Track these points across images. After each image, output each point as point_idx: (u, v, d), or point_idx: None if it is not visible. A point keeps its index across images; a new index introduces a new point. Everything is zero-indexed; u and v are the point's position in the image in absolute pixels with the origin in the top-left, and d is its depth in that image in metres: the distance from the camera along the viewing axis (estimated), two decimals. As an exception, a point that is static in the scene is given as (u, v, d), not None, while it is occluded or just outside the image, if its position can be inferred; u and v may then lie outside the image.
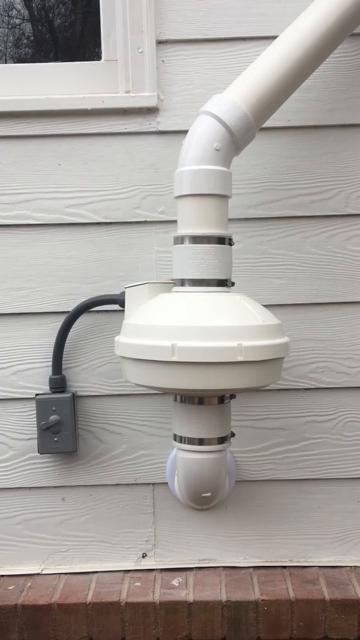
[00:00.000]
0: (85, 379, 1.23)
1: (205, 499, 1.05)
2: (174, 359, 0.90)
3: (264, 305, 1.16)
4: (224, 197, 1.00)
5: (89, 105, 1.18)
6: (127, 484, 1.25)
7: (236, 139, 1.00)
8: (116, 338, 1.01)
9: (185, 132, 1.17)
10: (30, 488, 1.25)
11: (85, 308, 1.18)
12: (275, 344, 0.95)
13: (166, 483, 1.24)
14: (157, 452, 1.25)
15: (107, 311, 1.22)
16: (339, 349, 1.24)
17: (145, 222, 1.21)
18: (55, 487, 1.25)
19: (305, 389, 1.25)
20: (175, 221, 1.18)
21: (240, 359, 0.91)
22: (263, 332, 0.95)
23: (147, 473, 1.25)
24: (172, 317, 0.94)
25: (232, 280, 1.03)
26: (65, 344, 1.21)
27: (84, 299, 1.20)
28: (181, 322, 0.92)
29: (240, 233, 1.21)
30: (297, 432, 1.25)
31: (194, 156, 0.99)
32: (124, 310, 1.08)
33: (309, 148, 1.21)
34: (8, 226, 1.21)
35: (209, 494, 1.04)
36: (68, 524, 1.26)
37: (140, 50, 1.18)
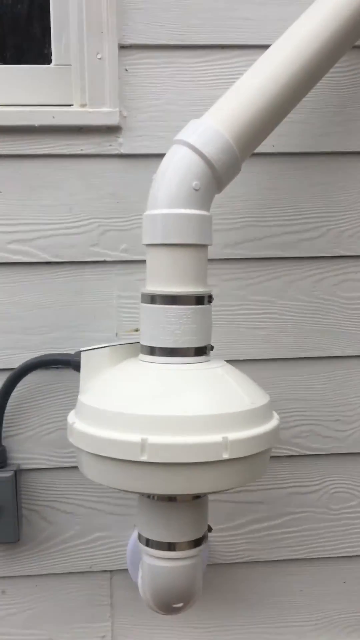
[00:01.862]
0: (30, 449, 1.03)
1: (176, 609, 0.87)
2: (144, 458, 0.71)
3: (242, 361, 0.99)
4: (203, 246, 0.82)
5: (37, 121, 0.97)
6: (80, 572, 1.06)
7: (218, 175, 0.82)
8: (69, 418, 0.82)
9: (152, 156, 0.98)
10: None
11: (30, 368, 0.98)
12: (266, 431, 0.78)
13: (126, 569, 1.05)
14: (116, 534, 1.06)
15: (57, 367, 1.02)
16: (326, 410, 1.08)
17: (105, 261, 1.01)
18: (-7, 574, 1.05)
19: (288, 456, 1.08)
20: (140, 261, 0.99)
21: (225, 456, 0.73)
22: (252, 418, 0.77)
23: (104, 559, 1.06)
24: (141, 401, 0.75)
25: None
26: (6, 408, 1.00)
27: (30, 355, 1.00)
28: (152, 410, 0.73)
29: (216, 275, 1.03)
30: (278, 506, 1.08)
31: (168, 196, 0.80)
32: (74, 370, 0.89)
33: (296, 178, 1.04)
34: None
35: (180, 605, 0.86)
36: (10, 620, 1.06)
37: (99, 56, 0.98)
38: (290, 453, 1.08)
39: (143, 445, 0.71)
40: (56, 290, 1.01)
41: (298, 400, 1.07)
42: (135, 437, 0.72)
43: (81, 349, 0.86)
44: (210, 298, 0.83)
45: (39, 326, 1.01)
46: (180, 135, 0.82)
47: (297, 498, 1.09)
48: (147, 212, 0.82)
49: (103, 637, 1.08)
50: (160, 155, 0.84)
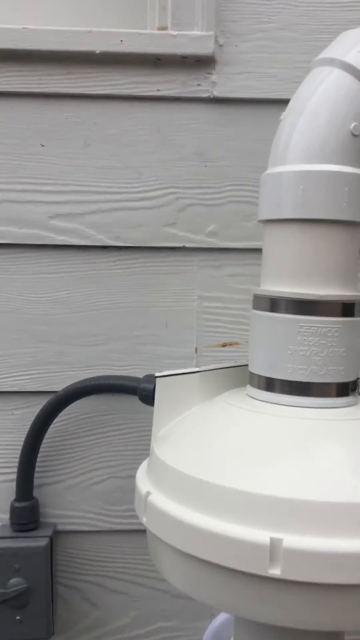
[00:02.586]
0: (71, 503, 0.74)
1: None
2: (275, 572, 0.43)
3: None
4: (358, 226, 0.53)
5: (97, 47, 0.68)
6: None
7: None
8: (140, 483, 0.53)
9: (257, 102, 0.70)
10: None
11: (78, 395, 0.69)
12: None
13: (198, 674, 0.77)
14: (186, 625, 0.77)
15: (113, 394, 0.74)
16: None
17: (184, 248, 0.73)
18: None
19: None
20: (233, 250, 0.71)
21: None
22: None
23: (167, 659, 0.78)
24: (268, 473, 0.46)
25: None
26: (41, 448, 0.72)
27: (75, 374, 0.72)
28: (287, 490, 0.45)
29: None
30: None
31: (308, 146, 0.51)
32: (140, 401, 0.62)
33: None
34: None
35: None
36: None
37: None
38: None
39: (274, 550, 0.43)
40: (114, 286, 0.73)
41: None
42: (261, 536, 0.43)
43: (156, 375, 0.58)
44: (362, 306, 0.54)
45: (90, 334, 0.73)
46: (330, 53, 0.53)
47: None
48: (270, 171, 0.53)
49: None
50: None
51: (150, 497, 0.50)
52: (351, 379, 0.53)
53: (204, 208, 0.72)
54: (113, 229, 0.72)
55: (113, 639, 0.76)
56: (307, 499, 0.43)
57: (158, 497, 0.49)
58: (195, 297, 0.73)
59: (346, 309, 0.52)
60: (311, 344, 0.51)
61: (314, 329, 0.51)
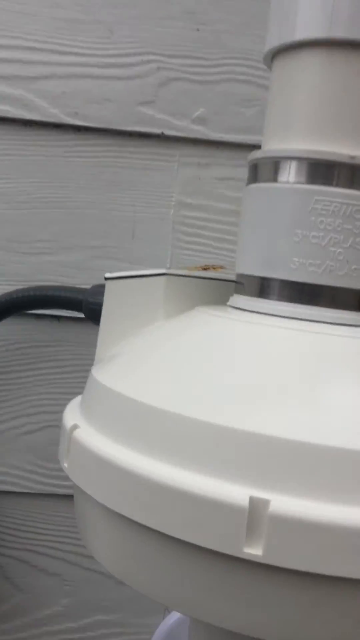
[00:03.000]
0: (-5, 455, 0.58)
1: None
2: (255, 553, 0.27)
3: None
4: None
5: None
6: None
7: None
8: (68, 416, 0.37)
9: None
10: None
11: (14, 307, 0.53)
12: None
13: None
14: (131, 620, 0.61)
15: (55, 316, 0.57)
16: None
17: (162, 136, 0.56)
18: None
19: None
20: (225, 144, 0.54)
21: None
22: None
23: (106, 661, 0.62)
24: (255, 405, 0.30)
25: None
26: None
27: (15, 287, 0.56)
28: (286, 431, 0.28)
29: None
30: None
31: None
32: (90, 322, 0.45)
33: None
34: None
35: None
36: None
37: None
38: None
39: (254, 518, 0.26)
40: (69, 179, 0.56)
41: None
42: (235, 494, 0.27)
43: (106, 275, 0.42)
44: None
45: (32, 239, 0.56)
46: None
47: None
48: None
49: None
50: None
51: (76, 432, 0.34)
52: (381, 286, 0.37)
53: (191, 85, 0.56)
54: (70, 102, 0.55)
55: (38, 632, 0.60)
56: (310, 441, 0.27)
57: (86, 431, 0.33)
58: (173, 202, 0.57)
59: (382, 183, 0.36)
60: (330, 228, 0.35)
61: (336, 206, 0.34)
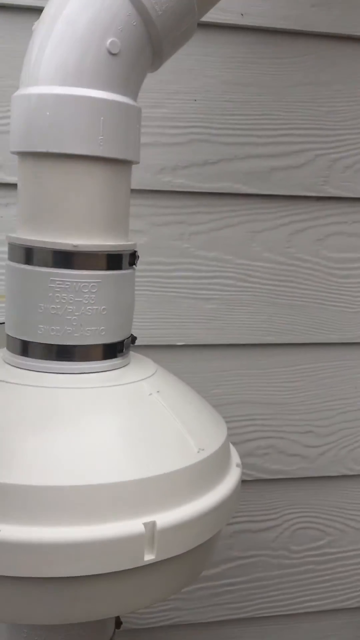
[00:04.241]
0: None
1: None
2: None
3: (178, 347, 0.67)
4: (123, 164, 0.45)
5: None
6: None
7: (155, 32, 0.44)
8: None
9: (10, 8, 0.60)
10: None
11: None
12: (221, 500, 0.44)
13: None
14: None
15: None
16: (294, 418, 0.76)
17: None
18: None
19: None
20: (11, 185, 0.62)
21: (150, 558, 0.39)
22: (199, 476, 0.43)
23: None
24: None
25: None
26: None
27: None
28: (15, 475, 0.38)
29: (143, 217, 0.67)
30: (218, 551, 0.77)
31: (60, 64, 0.41)
32: None
33: (276, 70, 0.68)
34: None
35: None
36: None
37: None
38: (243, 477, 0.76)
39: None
40: None
41: (255, 404, 0.74)
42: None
43: None
44: (133, 257, 0.47)
45: None
46: None
47: (245, 538, 0.77)
48: (21, 91, 0.44)
49: None
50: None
51: None
52: (117, 339, 0.46)
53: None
54: None
55: None
56: (34, 484, 0.37)
57: None
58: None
59: (110, 260, 0.45)
60: (64, 301, 0.44)
61: (67, 284, 0.43)
